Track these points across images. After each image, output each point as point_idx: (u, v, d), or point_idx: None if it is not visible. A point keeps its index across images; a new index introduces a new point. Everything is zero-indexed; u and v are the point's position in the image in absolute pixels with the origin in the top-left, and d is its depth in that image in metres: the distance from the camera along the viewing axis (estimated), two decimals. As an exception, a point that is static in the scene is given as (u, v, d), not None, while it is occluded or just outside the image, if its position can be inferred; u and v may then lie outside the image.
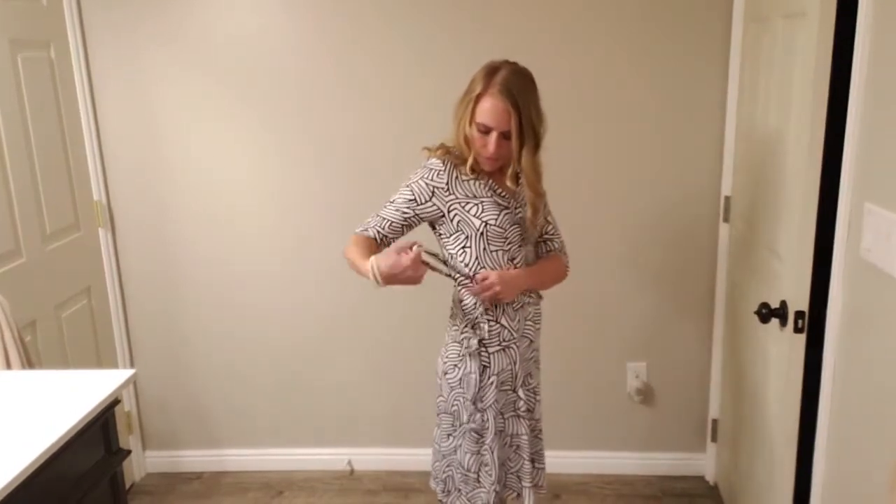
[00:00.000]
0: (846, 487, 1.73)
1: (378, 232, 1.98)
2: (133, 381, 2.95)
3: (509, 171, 1.96)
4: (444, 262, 2.01)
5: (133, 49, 2.87)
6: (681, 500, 2.97)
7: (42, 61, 2.67)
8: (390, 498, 3.04)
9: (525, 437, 2.10)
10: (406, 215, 1.97)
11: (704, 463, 3.10)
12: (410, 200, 1.97)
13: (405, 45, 2.81)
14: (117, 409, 1.90)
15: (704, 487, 3.06)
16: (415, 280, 1.79)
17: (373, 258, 1.82)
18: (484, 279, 1.94)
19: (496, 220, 1.96)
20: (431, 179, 1.95)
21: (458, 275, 1.99)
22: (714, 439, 3.04)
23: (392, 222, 1.98)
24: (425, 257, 1.86)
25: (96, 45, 2.87)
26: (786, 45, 2.09)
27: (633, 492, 3.03)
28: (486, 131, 1.89)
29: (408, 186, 1.98)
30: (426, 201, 1.96)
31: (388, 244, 1.98)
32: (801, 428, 2.01)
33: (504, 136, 1.89)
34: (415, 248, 1.78)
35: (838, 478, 1.77)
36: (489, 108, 1.87)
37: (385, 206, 1.99)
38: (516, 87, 1.87)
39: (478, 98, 1.88)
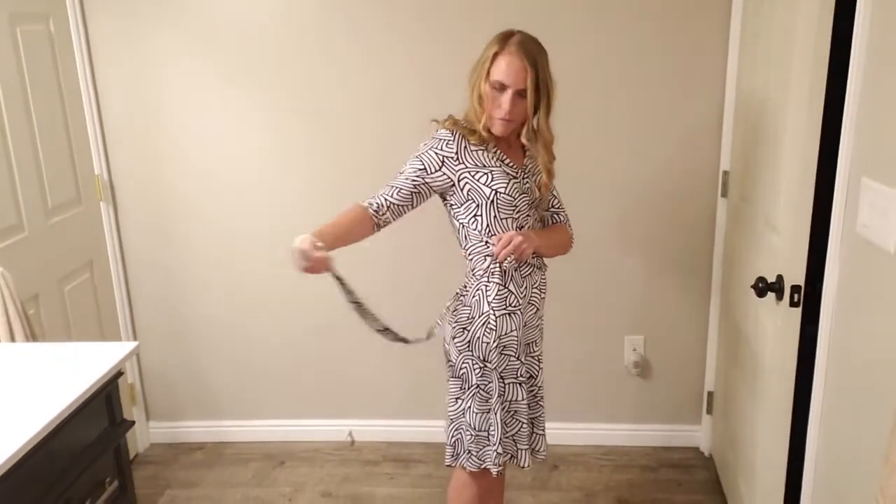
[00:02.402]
0: (839, 459, 1.76)
1: (386, 199, 1.97)
2: (136, 354, 2.98)
3: (524, 131, 2.01)
4: (347, 289, 1.95)
5: (132, 22, 2.85)
6: (676, 470, 3.02)
7: (41, 34, 2.66)
8: (391, 468, 3.09)
9: (523, 403, 2.13)
10: (416, 183, 1.98)
11: (700, 434, 3.14)
12: (420, 170, 1.99)
13: (413, 25, 2.80)
14: (120, 380, 1.93)
15: (699, 458, 3.10)
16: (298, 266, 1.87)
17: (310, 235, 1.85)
18: (503, 239, 1.96)
19: (506, 188, 1.98)
20: (441, 149, 1.98)
21: (352, 298, 1.96)
22: (709, 411, 3.08)
23: (401, 189, 1.98)
24: (335, 273, 1.87)
25: (95, 18, 2.85)
26: (785, 18, 2.08)
27: (629, 462, 3.08)
28: (500, 89, 1.93)
29: (417, 157, 2.00)
30: (436, 170, 1.98)
31: (397, 211, 1.99)
32: (796, 400, 2.04)
33: (518, 94, 1.93)
34: (321, 257, 1.82)
35: (831, 449, 1.80)
36: (505, 66, 1.92)
37: (396, 177, 2.01)
38: (532, 47, 1.93)
39: (494, 56, 1.93)
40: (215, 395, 3.28)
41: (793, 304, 1.95)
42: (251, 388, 3.26)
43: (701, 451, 3.14)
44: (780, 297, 2.02)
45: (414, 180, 1.98)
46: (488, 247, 2.02)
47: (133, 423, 2.07)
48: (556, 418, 2.97)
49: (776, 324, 2.09)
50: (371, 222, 1.97)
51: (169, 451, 3.27)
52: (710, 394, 3.06)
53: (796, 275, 1.94)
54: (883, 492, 1.23)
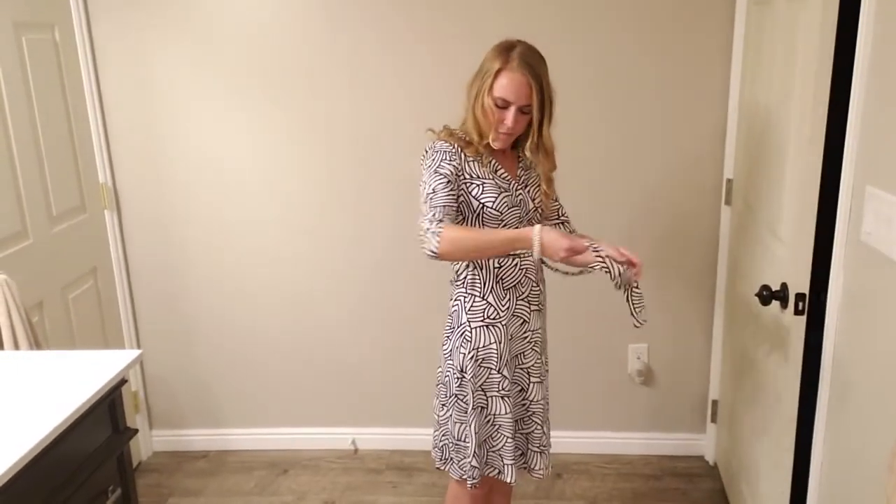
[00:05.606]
0: (845, 467, 1.75)
1: (450, 219, 1.90)
2: (139, 362, 2.98)
3: (528, 143, 1.99)
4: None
5: (137, 30, 2.87)
6: (680, 479, 3.01)
7: (46, 43, 2.67)
8: (393, 477, 3.08)
9: (507, 417, 2.08)
10: (454, 196, 1.93)
11: (704, 443, 3.13)
12: (449, 183, 1.93)
13: (412, 29, 2.81)
14: (124, 388, 1.92)
15: (704, 467, 3.09)
16: (564, 259, 1.92)
17: (538, 227, 1.85)
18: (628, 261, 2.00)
19: (493, 202, 1.97)
20: (450, 161, 1.94)
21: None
22: (714, 420, 3.07)
23: (450, 207, 1.91)
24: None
25: (100, 26, 2.87)
26: (789, 27, 2.09)
27: (633, 471, 3.07)
28: (504, 106, 1.91)
29: (437, 174, 1.92)
30: (454, 180, 1.95)
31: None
32: (801, 409, 2.03)
33: (521, 110, 1.91)
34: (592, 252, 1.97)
35: (837, 458, 1.79)
36: (509, 83, 1.89)
37: (430, 199, 1.91)
38: (534, 61, 1.91)
39: (497, 73, 1.90)
40: (218, 403, 3.28)
41: (797, 312, 1.94)
42: (254, 396, 3.26)
43: (705, 459, 3.12)
44: (784, 305, 2.01)
45: (451, 193, 1.92)
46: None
47: (136, 431, 2.06)
48: (560, 426, 2.95)
49: (781, 332, 2.09)
50: None
51: (172, 459, 3.26)
52: (715, 402, 3.04)
53: (801, 283, 1.93)
54: (889, 501, 1.23)
